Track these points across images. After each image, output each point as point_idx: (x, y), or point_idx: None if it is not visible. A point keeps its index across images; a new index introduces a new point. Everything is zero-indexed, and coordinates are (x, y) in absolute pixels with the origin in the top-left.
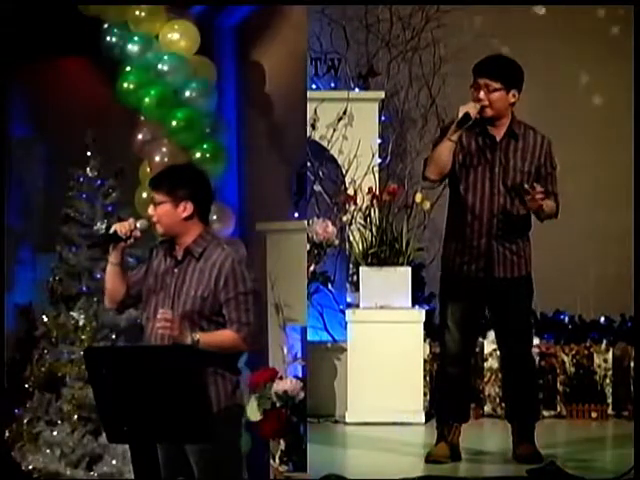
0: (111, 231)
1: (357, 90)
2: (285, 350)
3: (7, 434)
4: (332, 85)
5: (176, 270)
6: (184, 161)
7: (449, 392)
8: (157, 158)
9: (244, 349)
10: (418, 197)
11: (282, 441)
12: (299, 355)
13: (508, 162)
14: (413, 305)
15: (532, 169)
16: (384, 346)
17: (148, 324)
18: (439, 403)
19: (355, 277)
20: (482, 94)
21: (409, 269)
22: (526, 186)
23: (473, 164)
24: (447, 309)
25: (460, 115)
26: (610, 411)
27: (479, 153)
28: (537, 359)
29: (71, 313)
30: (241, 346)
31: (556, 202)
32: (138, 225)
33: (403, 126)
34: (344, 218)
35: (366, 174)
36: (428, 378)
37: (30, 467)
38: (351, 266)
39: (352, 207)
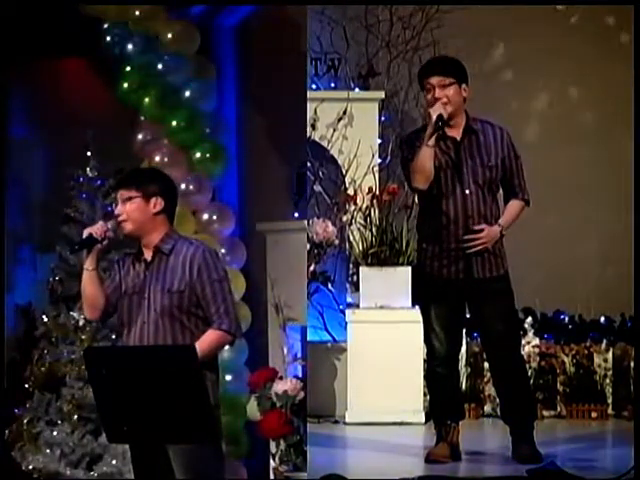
0: (85, 235)
1: (357, 90)
2: (285, 350)
3: (7, 434)
4: (332, 85)
5: (147, 272)
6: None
7: (441, 392)
8: (157, 158)
9: (231, 340)
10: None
11: (282, 441)
12: (299, 355)
13: (474, 160)
14: (413, 305)
15: (498, 162)
16: (384, 346)
17: (124, 329)
18: (432, 404)
19: (355, 277)
20: (438, 92)
21: (409, 269)
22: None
23: (441, 168)
24: (431, 312)
25: (434, 118)
26: (610, 411)
27: (444, 156)
28: (537, 359)
29: (71, 313)
30: (227, 339)
31: (523, 194)
32: (109, 225)
33: (403, 126)
34: (344, 218)
35: (366, 174)
36: None
37: (30, 467)
38: (351, 266)
39: (352, 207)
